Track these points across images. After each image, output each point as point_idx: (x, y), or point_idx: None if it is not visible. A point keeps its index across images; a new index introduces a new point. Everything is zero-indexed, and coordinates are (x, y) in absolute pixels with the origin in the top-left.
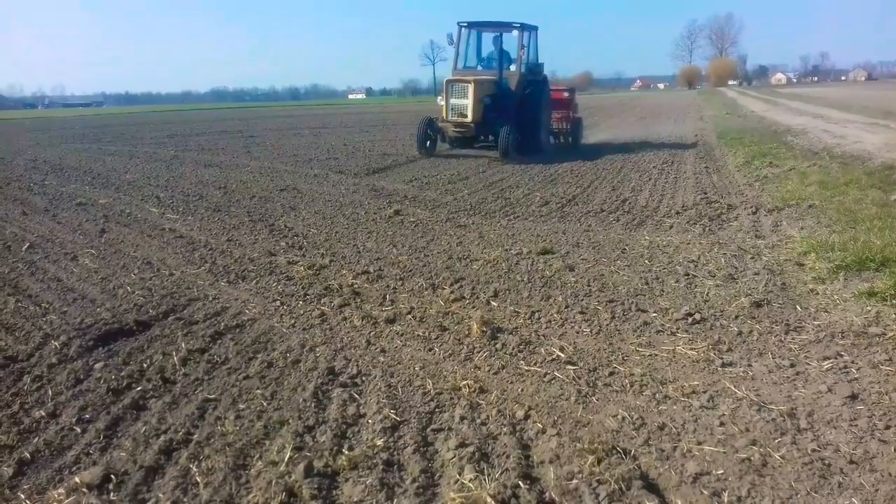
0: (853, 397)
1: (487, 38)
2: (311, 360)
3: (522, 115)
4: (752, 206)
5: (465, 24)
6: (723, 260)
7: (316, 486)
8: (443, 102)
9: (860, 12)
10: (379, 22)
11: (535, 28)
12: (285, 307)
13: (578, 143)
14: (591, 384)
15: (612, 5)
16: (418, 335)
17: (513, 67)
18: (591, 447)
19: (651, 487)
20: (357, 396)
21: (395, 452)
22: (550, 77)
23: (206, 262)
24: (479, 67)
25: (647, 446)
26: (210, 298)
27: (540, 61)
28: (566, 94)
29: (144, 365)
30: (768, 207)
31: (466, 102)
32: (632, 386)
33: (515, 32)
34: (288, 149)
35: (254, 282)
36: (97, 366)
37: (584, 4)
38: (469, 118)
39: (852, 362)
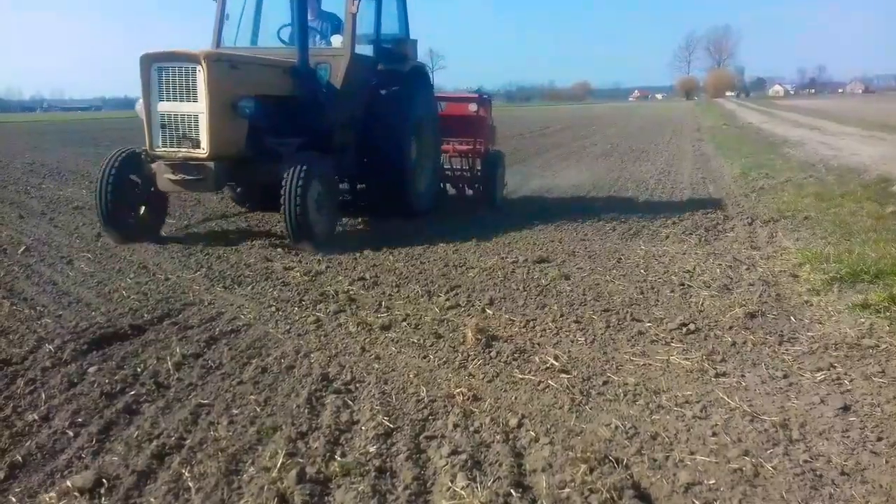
0: (846, 409)
1: None
2: (306, 366)
3: (370, 139)
4: (747, 217)
5: None
6: (718, 270)
7: (308, 492)
8: (144, 115)
9: (858, 26)
10: None
11: None
12: (281, 313)
13: (495, 198)
14: (585, 393)
15: (611, 16)
16: (413, 342)
17: (337, 41)
18: (584, 456)
19: (643, 497)
20: (351, 403)
21: (388, 459)
22: (546, 87)
23: (203, 267)
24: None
25: (640, 455)
26: (205, 303)
27: (413, 37)
28: (473, 109)
29: (138, 369)
30: (764, 218)
31: (194, 111)
32: (625, 395)
33: None
34: None
35: (249, 287)
36: (91, 370)
37: (584, 15)
38: (205, 149)
39: (845, 374)
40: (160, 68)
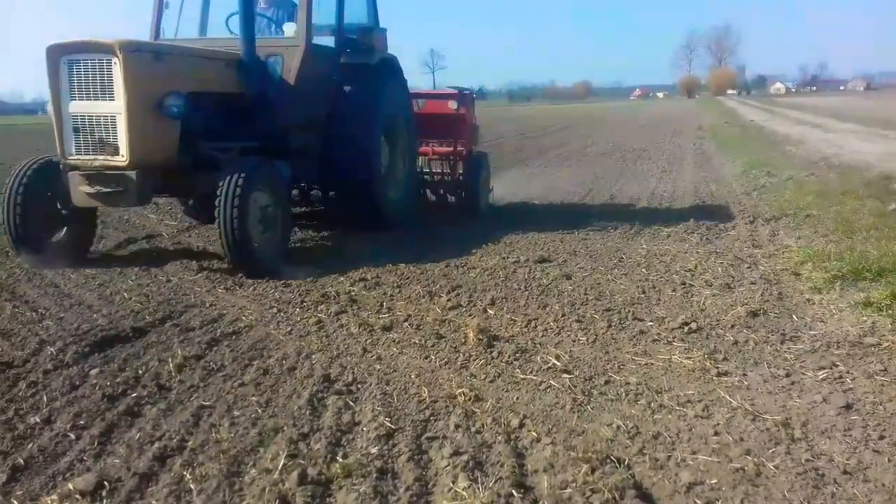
0: (848, 407)
1: None
2: (307, 368)
3: (333, 141)
4: (749, 216)
5: None
6: (720, 269)
7: (309, 493)
8: (53, 117)
9: (859, 23)
10: None
11: None
12: (282, 314)
13: (480, 204)
14: (587, 393)
15: (612, 15)
16: (415, 343)
17: (290, 30)
18: (586, 456)
19: (645, 497)
20: (352, 404)
21: (390, 460)
22: (548, 87)
23: (204, 269)
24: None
25: (642, 455)
26: (207, 305)
27: (383, 26)
28: (453, 106)
29: (140, 371)
30: (766, 217)
31: (111, 111)
32: (627, 395)
33: None
34: None
35: (251, 288)
36: (92, 372)
37: (585, 14)
38: (124, 157)
39: (847, 372)
40: (70, 62)
